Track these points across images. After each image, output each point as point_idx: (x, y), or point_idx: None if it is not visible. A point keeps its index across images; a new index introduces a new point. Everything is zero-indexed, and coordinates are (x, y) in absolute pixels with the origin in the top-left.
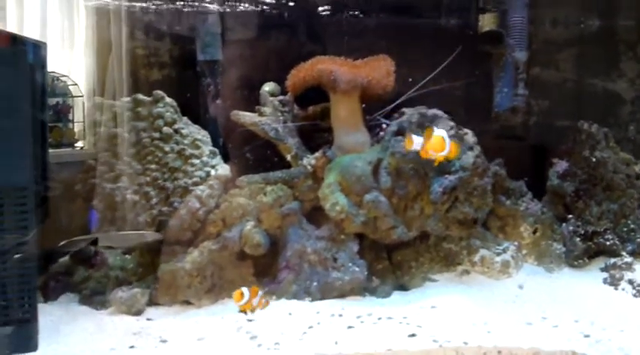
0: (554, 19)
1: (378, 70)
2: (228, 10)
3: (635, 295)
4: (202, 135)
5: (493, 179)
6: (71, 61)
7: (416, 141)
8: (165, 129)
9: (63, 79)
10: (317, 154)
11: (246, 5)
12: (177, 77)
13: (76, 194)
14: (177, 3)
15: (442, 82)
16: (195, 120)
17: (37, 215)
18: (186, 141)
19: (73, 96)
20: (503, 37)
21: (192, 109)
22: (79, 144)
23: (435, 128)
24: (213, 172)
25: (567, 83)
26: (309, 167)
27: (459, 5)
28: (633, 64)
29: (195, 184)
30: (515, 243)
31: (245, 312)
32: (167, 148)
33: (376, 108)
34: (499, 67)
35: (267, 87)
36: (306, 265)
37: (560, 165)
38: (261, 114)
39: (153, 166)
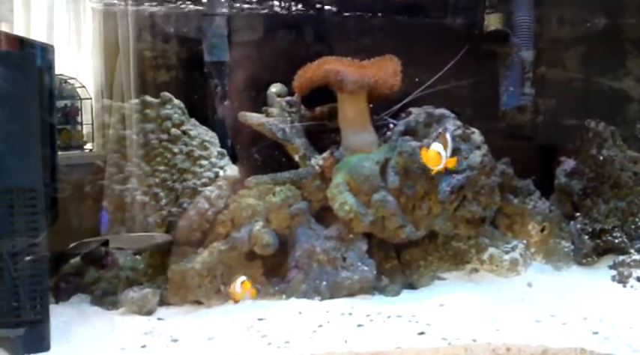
0: (560, 17)
1: (385, 70)
2: (234, 11)
3: None
4: (210, 136)
5: (501, 178)
6: (79, 64)
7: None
8: (174, 130)
9: (71, 81)
10: (325, 154)
11: (253, 6)
12: (185, 79)
13: (85, 196)
14: (184, 5)
15: (449, 82)
16: (203, 121)
17: (47, 217)
18: (194, 143)
19: (81, 99)
20: (510, 36)
21: (200, 111)
22: (88, 146)
23: (433, 142)
24: (221, 173)
25: (574, 82)
26: (317, 167)
27: (465, 5)
28: None
29: (204, 185)
30: (524, 241)
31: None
32: (175, 150)
33: (383, 108)
34: (505, 66)
35: (275, 88)
36: (315, 265)
37: (568, 164)
38: (268, 115)
39: (161, 168)
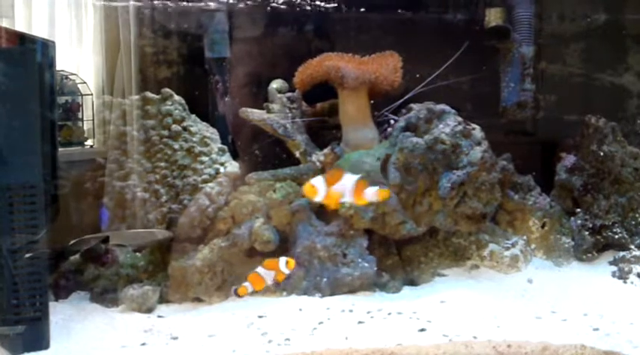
0: (560, 13)
1: (386, 66)
2: (235, 7)
3: None
4: (211, 132)
5: (501, 174)
6: (80, 59)
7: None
8: (174, 126)
9: (72, 77)
10: (326, 151)
11: (254, 2)
12: (186, 75)
13: (86, 192)
14: (185, 1)
15: (449, 78)
16: (204, 117)
17: (47, 213)
18: (194, 139)
19: (82, 95)
20: (510, 32)
21: (201, 107)
22: (89, 142)
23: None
24: (222, 169)
25: (574, 77)
26: (317, 163)
27: (465, 0)
28: None
29: (205, 182)
30: (524, 238)
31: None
32: (176, 146)
33: (384, 104)
34: (506, 62)
35: (275, 84)
36: (316, 261)
37: (569, 160)
38: (269, 111)
39: (162, 164)
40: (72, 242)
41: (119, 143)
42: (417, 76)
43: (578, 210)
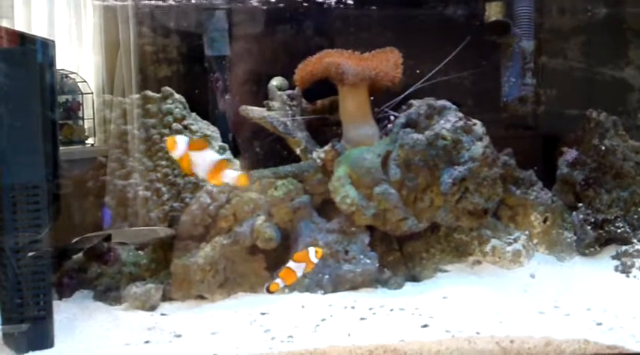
0: (560, 7)
1: (386, 63)
2: (235, 5)
3: None
4: (212, 130)
5: (503, 169)
6: (80, 59)
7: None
8: (175, 125)
9: (72, 76)
10: (326, 148)
11: (253, 0)
12: (186, 73)
13: (87, 191)
14: None
15: (450, 73)
16: (205, 115)
17: (49, 212)
18: (195, 137)
19: (82, 93)
20: (510, 26)
21: (201, 105)
22: (90, 140)
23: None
24: None
25: (575, 71)
26: (318, 160)
27: None
28: None
29: None
30: (526, 233)
31: (272, 292)
32: None
33: (384, 100)
34: (506, 57)
35: (275, 81)
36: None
37: (570, 154)
38: (269, 108)
39: (163, 162)
40: (74, 240)
41: (120, 142)
42: (418, 71)
43: (580, 204)
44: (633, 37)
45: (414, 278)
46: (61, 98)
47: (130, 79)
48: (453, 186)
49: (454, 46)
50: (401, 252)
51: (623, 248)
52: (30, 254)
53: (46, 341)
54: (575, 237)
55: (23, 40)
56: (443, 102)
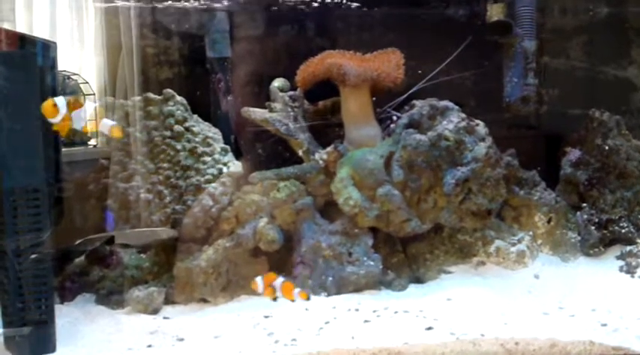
0: (562, 7)
1: (388, 63)
2: (236, 6)
3: None
4: (213, 132)
5: (506, 169)
6: (82, 61)
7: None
8: (177, 127)
9: (74, 77)
10: (329, 149)
11: (255, 1)
12: (187, 75)
13: (89, 193)
14: (186, 1)
15: (452, 73)
16: (206, 117)
17: (51, 215)
18: (197, 139)
19: (84, 95)
20: (512, 26)
21: (203, 107)
22: (92, 142)
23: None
24: (225, 169)
25: (577, 71)
26: (321, 162)
27: None
28: None
29: (208, 182)
30: (530, 233)
31: (275, 299)
32: (179, 147)
33: (386, 100)
34: (509, 57)
35: (277, 82)
36: (321, 260)
37: (574, 154)
38: (271, 110)
39: (165, 165)
40: (77, 242)
41: (122, 144)
42: (420, 72)
43: (584, 204)
44: (636, 36)
45: (418, 280)
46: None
47: (131, 81)
48: (456, 187)
49: (456, 47)
50: (405, 254)
51: (628, 248)
52: (31, 257)
53: (49, 346)
54: (579, 238)
55: (24, 42)
56: (445, 102)
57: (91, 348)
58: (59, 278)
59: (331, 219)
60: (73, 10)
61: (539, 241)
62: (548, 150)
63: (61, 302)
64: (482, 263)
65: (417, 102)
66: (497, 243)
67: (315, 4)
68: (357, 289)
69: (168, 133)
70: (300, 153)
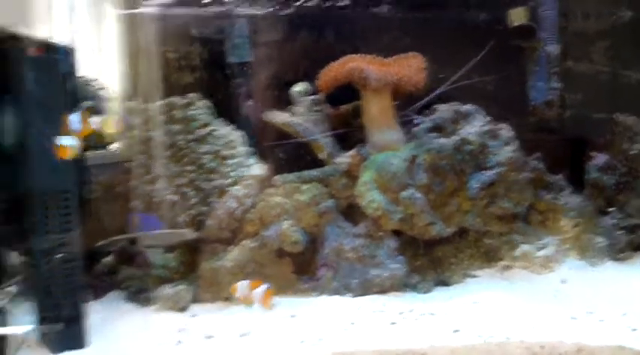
0: (585, 10)
1: (409, 68)
2: (257, 11)
3: None
4: (236, 135)
5: (532, 173)
6: (103, 66)
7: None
8: (200, 131)
9: (94, 82)
10: (351, 152)
11: (275, 6)
12: (209, 79)
13: (114, 195)
14: (207, 6)
15: (474, 78)
16: (229, 121)
17: (80, 216)
18: (220, 143)
19: (105, 100)
20: (535, 30)
21: (226, 111)
22: (114, 146)
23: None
24: (248, 172)
25: (601, 75)
26: (343, 165)
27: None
28: None
29: (232, 184)
30: (557, 238)
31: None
32: (202, 150)
33: (407, 104)
34: (532, 61)
35: (299, 87)
36: (344, 263)
37: (600, 158)
38: (293, 114)
39: (189, 168)
40: (101, 242)
41: (146, 148)
42: (442, 76)
43: (611, 209)
44: None
45: (443, 283)
46: (85, 104)
47: (153, 86)
48: (480, 191)
49: (479, 51)
50: (429, 257)
51: None
52: (62, 256)
53: (81, 342)
54: (606, 242)
55: (46, 47)
56: (468, 106)
57: (122, 344)
58: (90, 277)
59: (354, 221)
60: (93, 15)
61: (566, 245)
62: (573, 154)
63: (92, 300)
64: (509, 267)
65: (440, 106)
66: (524, 247)
67: (336, 9)
68: (382, 291)
69: (191, 137)
70: (322, 156)
